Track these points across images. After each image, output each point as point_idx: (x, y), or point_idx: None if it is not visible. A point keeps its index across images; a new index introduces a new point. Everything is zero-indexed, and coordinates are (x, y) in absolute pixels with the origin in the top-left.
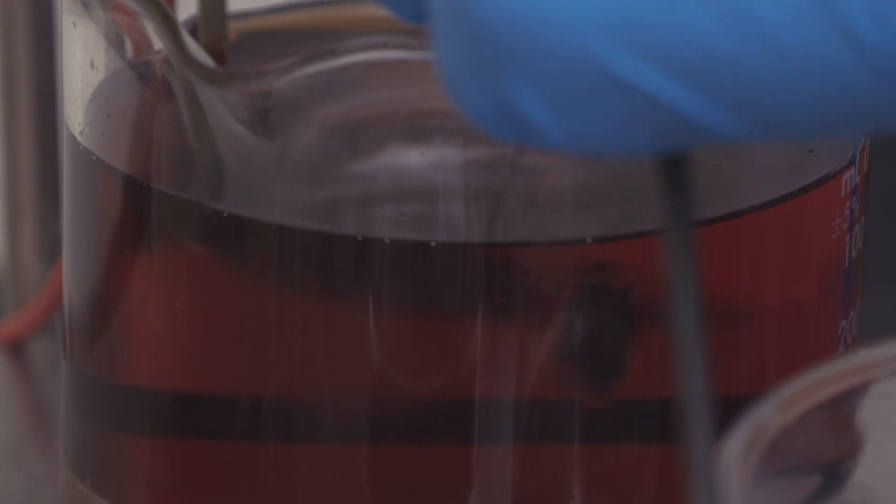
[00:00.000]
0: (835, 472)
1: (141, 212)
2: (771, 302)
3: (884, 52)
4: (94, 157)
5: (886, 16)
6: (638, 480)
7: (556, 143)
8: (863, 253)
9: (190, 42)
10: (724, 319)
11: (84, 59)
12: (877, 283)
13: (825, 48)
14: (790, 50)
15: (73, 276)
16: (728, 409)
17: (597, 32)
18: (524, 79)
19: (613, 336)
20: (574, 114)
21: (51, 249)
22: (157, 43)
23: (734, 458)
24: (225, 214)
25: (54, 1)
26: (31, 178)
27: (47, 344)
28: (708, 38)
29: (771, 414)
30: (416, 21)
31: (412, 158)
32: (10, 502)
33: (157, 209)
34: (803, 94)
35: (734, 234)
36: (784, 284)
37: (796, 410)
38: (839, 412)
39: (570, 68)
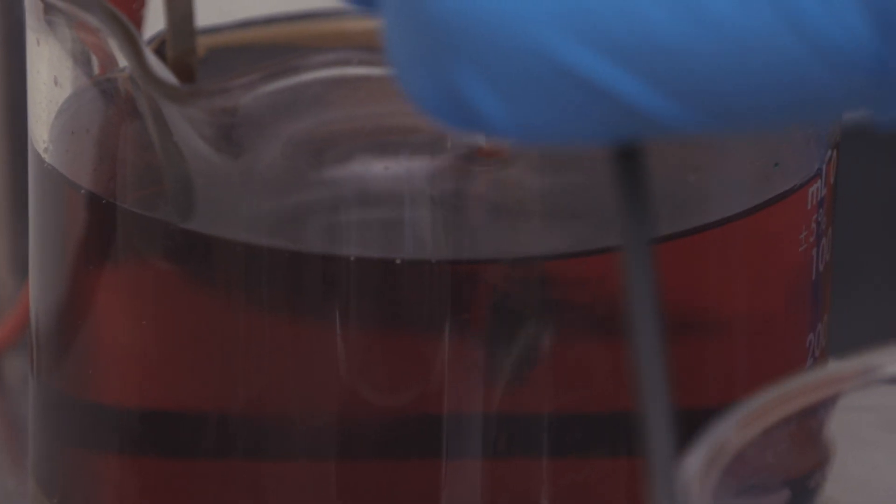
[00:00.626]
0: (803, 487)
1: (106, 229)
2: (738, 315)
3: (832, 41)
4: (59, 175)
5: (834, 3)
6: (607, 494)
7: (504, 133)
8: (830, 266)
9: (152, 59)
10: (691, 332)
11: (48, 77)
12: (846, 297)
13: (773, 37)
14: (738, 39)
15: (39, 292)
16: (695, 422)
17: (544, 21)
18: (473, 68)
19: (577, 349)
20: (523, 103)
21: (24, 265)
22: (122, 60)
23: (693, 476)
24: (190, 232)
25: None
26: (3, 194)
27: (21, 359)
28: (656, 27)
29: (731, 431)
30: (365, 8)
31: (377, 174)
32: None
33: (122, 226)
34: (751, 84)
35: (700, 247)
36: (751, 297)
37: (759, 426)
38: (806, 426)
39: (518, 57)
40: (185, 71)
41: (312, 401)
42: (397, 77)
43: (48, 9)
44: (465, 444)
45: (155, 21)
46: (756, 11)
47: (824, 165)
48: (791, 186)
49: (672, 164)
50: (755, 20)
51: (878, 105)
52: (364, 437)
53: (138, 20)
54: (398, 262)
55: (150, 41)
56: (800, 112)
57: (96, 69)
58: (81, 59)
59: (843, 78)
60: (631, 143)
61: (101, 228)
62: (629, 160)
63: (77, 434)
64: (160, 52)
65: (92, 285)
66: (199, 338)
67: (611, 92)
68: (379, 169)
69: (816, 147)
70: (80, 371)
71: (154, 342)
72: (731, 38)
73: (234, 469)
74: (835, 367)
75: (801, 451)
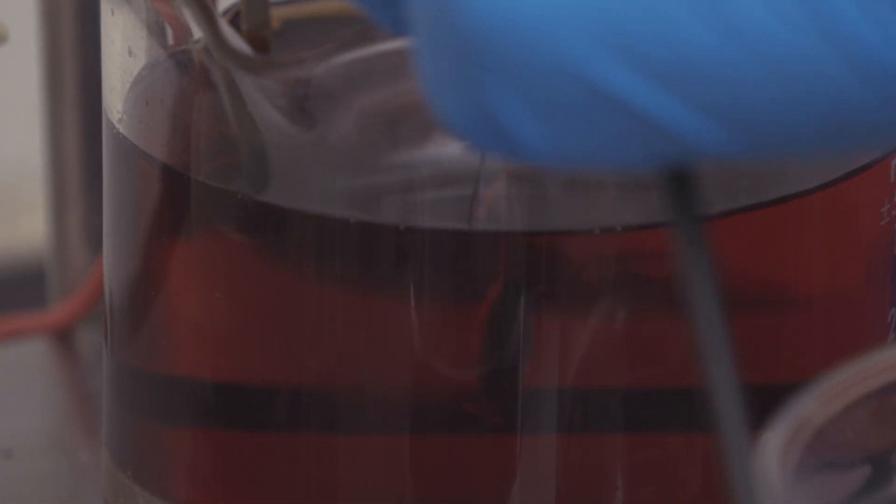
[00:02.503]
0: (884, 463)
1: (179, 200)
2: (818, 289)
3: (878, 63)
4: (133, 146)
5: (882, 24)
6: (683, 471)
7: (541, 157)
8: None
9: (227, 30)
10: (770, 307)
11: (122, 47)
12: None
13: (819, 60)
14: (782, 62)
15: (112, 265)
16: (776, 398)
17: (582, 41)
18: (509, 88)
19: (653, 324)
20: (560, 126)
21: (97, 238)
22: (197, 31)
23: (775, 452)
24: (264, 204)
25: None
26: (76, 167)
27: (94, 332)
28: (698, 50)
29: (813, 406)
30: (397, 28)
31: (452, 147)
32: (56, 491)
33: (195, 198)
34: (795, 109)
35: (781, 220)
36: (831, 271)
37: (840, 402)
38: (888, 403)
39: (556, 78)
40: (259, 43)
41: (385, 374)
42: (429, 98)
43: None
44: (540, 418)
45: None
46: (802, 34)
47: None
48: (873, 159)
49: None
50: (801, 43)
51: None
52: (437, 411)
53: None
54: (473, 234)
55: (225, 13)
56: (843, 137)
57: (170, 40)
58: (156, 30)
59: (889, 102)
60: (680, 166)
61: (174, 200)
62: (679, 180)
63: (150, 407)
64: (234, 23)
65: (165, 257)
66: (271, 310)
67: (650, 115)
68: (454, 141)
69: None
70: (153, 344)
71: (227, 315)
72: (773, 59)
73: (305, 442)
74: None
75: (883, 428)
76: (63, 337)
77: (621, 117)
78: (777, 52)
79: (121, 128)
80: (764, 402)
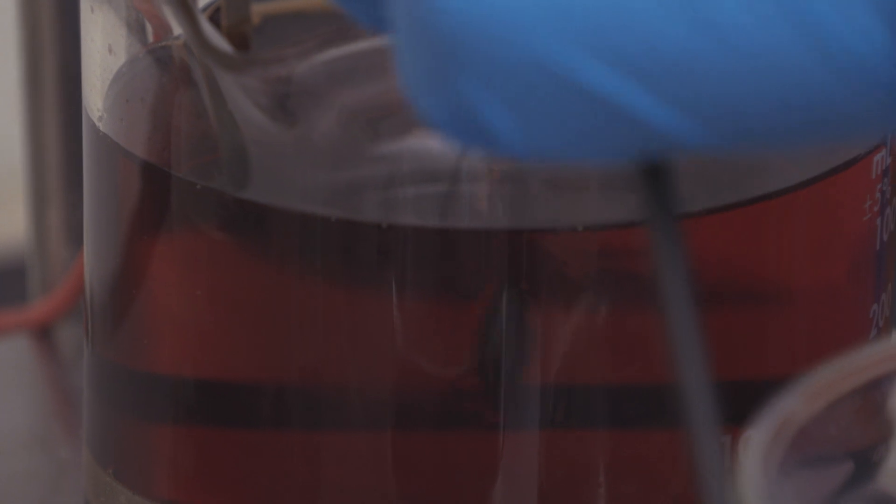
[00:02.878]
0: (867, 460)
1: (160, 198)
2: (801, 285)
3: (851, 57)
4: (113, 143)
5: (851, 14)
6: (665, 467)
7: (516, 151)
8: (894, 236)
9: (207, 27)
10: (753, 302)
11: (102, 45)
12: None
13: (792, 53)
14: (753, 53)
15: (93, 262)
16: (758, 394)
17: (555, 36)
18: (483, 83)
19: (635, 320)
20: (534, 120)
21: (77, 234)
22: (177, 28)
23: (759, 448)
24: (245, 201)
25: None
26: (56, 164)
27: (74, 329)
28: (670, 42)
29: (798, 402)
30: (378, 27)
31: (434, 143)
32: (36, 488)
33: (176, 195)
34: (767, 101)
35: (764, 217)
36: (814, 267)
37: (824, 399)
38: (871, 399)
39: (528, 72)
40: (239, 39)
41: (367, 371)
42: (408, 94)
43: None
44: (524, 415)
45: None
46: (774, 26)
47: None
48: (856, 155)
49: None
50: (773, 35)
51: None
52: (419, 407)
53: None
54: (454, 231)
55: (205, 9)
56: (818, 130)
57: (150, 37)
58: (136, 27)
59: (862, 95)
60: (654, 160)
61: (155, 197)
62: (653, 172)
63: (132, 404)
64: (214, 20)
65: (146, 254)
66: (253, 308)
67: (623, 108)
68: (435, 138)
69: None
70: (134, 341)
71: (208, 312)
72: (747, 53)
73: (288, 440)
74: None
75: (865, 425)
76: (43, 333)
77: (595, 111)
78: (748, 43)
79: (101, 125)
80: (747, 399)
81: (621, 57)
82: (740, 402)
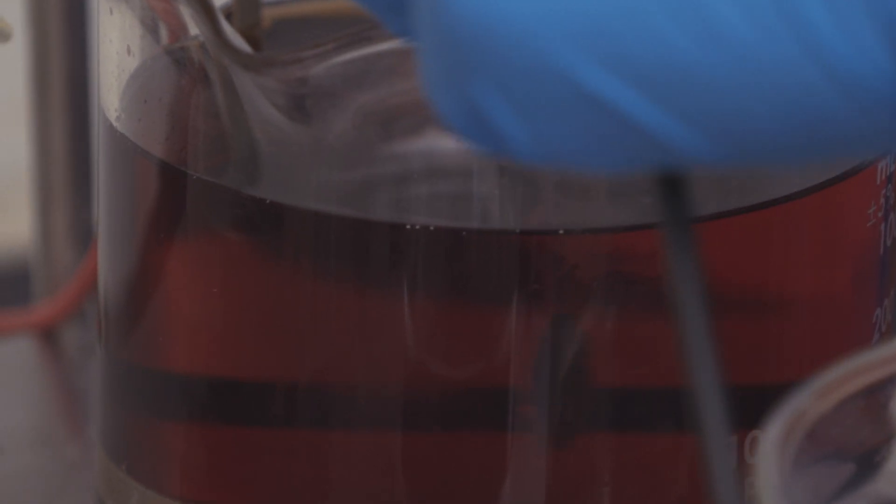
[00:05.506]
0: (868, 461)
1: (177, 197)
2: (806, 291)
3: (852, 73)
4: (131, 143)
5: (855, 33)
6: (673, 471)
7: (526, 156)
8: None
9: (227, 28)
10: (758, 309)
11: (120, 45)
12: None
13: (796, 69)
14: (758, 68)
15: (108, 261)
16: (763, 399)
17: (566, 43)
18: (494, 88)
19: (645, 323)
20: (544, 126)
21: (83, 236)
22: (194, 29)
23: (773, 445)
24: (260, 201)
25: None
26: (63, 166)
27: (79, 330)
28: (677, 54)
29: (809, 401)
30: (404, 34)
31: (447, 145)
32: (44, 487)
33: (192, 195)
34: (771, 116)
35: (770, 223)
36: (819, 273)
37: (834, 398)
38: (874, 401)
39: (539, 79)
40: (251, 43)
41: (379, 371)
42: (427, 95)
43: None
44: (531, 417)
45: None
46: (780, 42)
47: None
48: (860, 162)
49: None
50: (778, 50)
51: None
52: (430, 408)
53: None
54: (468, 231)
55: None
56: (823, 146)
57: (165, 38)
58: (152, 28)
59: (864, 112)
60: (669, 170)
61: (172, 197)
62: (670, 184)
63: (146, 402)
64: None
65: (162, 254)
66: (268, 307)
67: (631, 118)
68: (448, 140)
69: None
70: (149, 340)
71: (223, 311)
72: (751, 66)
73: (300, 438)
74: None
75: (869, 426)
76: (49, 335)
77: (604, 120)
78: (753, 58)
79: (118, 125)
80: (751, 403)
81: (631, 68)
82: (746, 406)
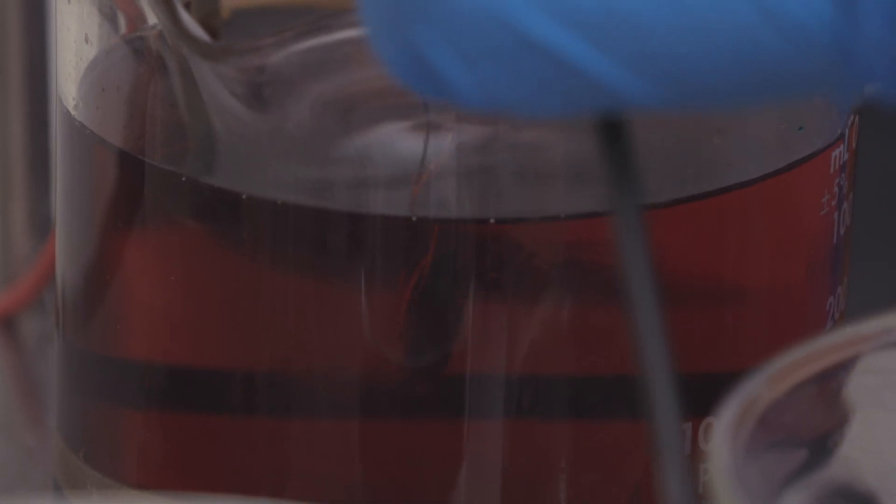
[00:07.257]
0: (821, 447)
1: (135, 186)
2: (759, 279)
3: (793, 18)
4: (89, 132)
5: None
6: (630, 458)
7: (470, 101)
8: (850, 230)
9: (185, 16)
10: (712, 296)
11: (78, 34)
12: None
13: (737, 13)
14: (702, 14)
15: (66, 249)
16: (715, 387)
17: None
18: (437, 34)
19: (603, 311)
20: (487, 72)
21: (41, 226)
22: (151, 18)
23: (727, 430)
24: (218, 189)
25: None
26: (21, 156)
27: (38, 320)
28: (620, 1)
29: (762, 387)
30: None
31: (404, 135)
32: (4, 476)
33: (151, 183)
34: (715, 61)
35: (722, 211)
36: (773, 261)
37: (786, 384)
38: (827, 386)
39: (482, 25)
40: (209, 31)
41: (337, 360)
42: (370, 40)
43: None
44: (488, 404)
45: None
46: None
47: (847, 129)
48: (814, 150)
49: (694, 127)
50: None
51: (840, 85)
52: (387, 396)
53: None
54: (423, 221)
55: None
56: (764, 90)
57: (123, 27)
58: (110, 16)
59: (805, 56)
60: (612, 117)
61: (130, 185)
62: (612, 130)
63: (103, 390)
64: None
65: (120, 242)
66: (225, 296)
67: (574, 65)
68: (406, 129)
69: (839, 110)
70: (107, 328)
71: (181, 299)
72: (694, 13)
73: (258, 426)
74: (855, 329)
75: (821, 411)
76: (7, 324)
77: (546, 66)
78: (698, 5)
79: (76, 114)
80: (706, 391)
81: (572, 13)
82: (701, 393)
